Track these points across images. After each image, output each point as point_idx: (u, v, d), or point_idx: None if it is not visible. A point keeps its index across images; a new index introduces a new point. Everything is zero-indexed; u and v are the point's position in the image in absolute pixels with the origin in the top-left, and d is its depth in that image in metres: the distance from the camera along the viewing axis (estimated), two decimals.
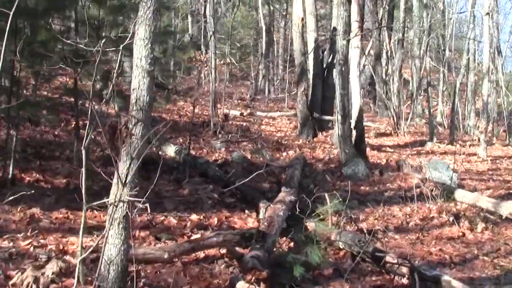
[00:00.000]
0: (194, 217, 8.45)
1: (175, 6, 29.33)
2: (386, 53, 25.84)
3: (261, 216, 8.58)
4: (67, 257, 5.90)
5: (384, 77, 25.16)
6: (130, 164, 4.88)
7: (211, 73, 18.46)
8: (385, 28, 25.46)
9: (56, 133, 12.11)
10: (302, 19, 18.59)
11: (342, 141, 13.62)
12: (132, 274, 5.58)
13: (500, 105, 25.99)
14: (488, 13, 19.00)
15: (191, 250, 6.54)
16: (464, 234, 9.17)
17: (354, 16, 14.53)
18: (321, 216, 8.01)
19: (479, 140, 18.55)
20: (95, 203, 5.00)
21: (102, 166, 10.26)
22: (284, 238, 7.76)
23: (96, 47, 5.17)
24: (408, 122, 22.72)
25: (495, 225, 9.65)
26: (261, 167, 12.61)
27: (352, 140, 14.04)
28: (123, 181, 4.83)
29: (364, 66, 27.87)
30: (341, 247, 7.61)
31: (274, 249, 6.90)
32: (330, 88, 17.87)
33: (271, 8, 32.02)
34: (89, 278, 5.33)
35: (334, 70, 14.51)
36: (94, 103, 5.59)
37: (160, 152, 12.45)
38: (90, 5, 10.19)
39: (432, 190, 10.98)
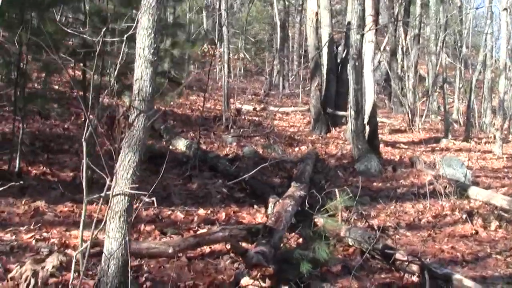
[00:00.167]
0: (201, 211, 8.32)
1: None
2: (402, 49, 25.61)
3: (269, 211, 8.44)
4: (69, 251, 5.79)
5: (399, 73, 24.95)
6: (131, 156, 4.74)
7: (223, 67, 18.29)
8: (401, 23, 25.23)
9: (65, 126, 12.03)
10: (317, 13, 18.43)
11: (355, 136, 13.47)
12: (135, 269, 5.50)
13: None
14: (506, 9, 18.81)
15: (196, 245, 6.41)
16: (477, 232, 8.99)
17: (369, 10, 14.33)
18: (331, 212, 7.87)
19: (494, 137, 18.36)
20: (95, 196, 4.86)
21: (111, 160, 10.22)
22: (293, 233, 7.64)
23: (98, 37, 5.03)
24: (423, 119, 22.52)
25: (509, 223, 9.46)
26: (273, 162, 12.52)
27: (365, 136, 13.87)
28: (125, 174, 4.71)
29: (379, 62, 27.77)
30: (351, 243, 7.47)
31: (281, 245, 6.76)
32: (344, 84, 17.74)
33: (286, 3, 31.83)
34: (90, 272, 5.24)
35: (348, 65, 14.34)
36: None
37: (170, 147, 12.34)
38: None
39: (446, 187, 10.81)
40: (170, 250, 6.10)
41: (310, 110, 18.72)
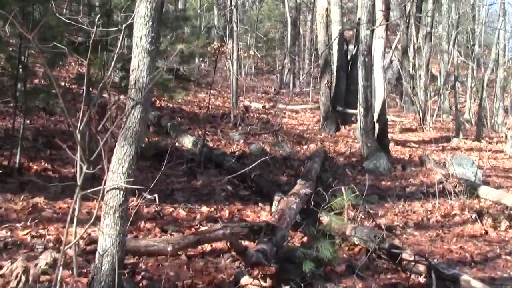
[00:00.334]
0: (204, 209, 8.14)
1: None
2: (414, 47, 25.41)
3: (273, 209, 8.27)
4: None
5: (411, 71, 24.75)
6: (127, 149, 4.60)
7: (232, 64, 18.14)
8: (412, 21, 25.04)
9: (70, 122, 11.86)
10: (327, 9, 18.28)
11: (364, 134, 13.32)
12: (130, 267, 5.34)
13: None
14: None
15: (197, 243, 6.23)
16: (486, 232, 8.84)
17: (379, 5, 14.09)
18: (337, 211, 7.72)
19: (506, 137, 18.17)
20: (89, 190, 4.71)
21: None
22: (297, 232, 7.49)
23: (94, 27, 4.89)
24: (434, 118, 22.33)
25: None
26: (280, 160, 12.37)
27: (374, 134, 13.70)
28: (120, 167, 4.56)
29: (391, 61, 27.57)
30: (356, 242, 7.29)
31: (284, 244, 6.58)
32: (354, 81, 17.52)
33: (298, 1, 31.63)
34: (85, 270, 5.09)
35: (358, 61, 14.17)
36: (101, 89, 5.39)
37: (177, 144, 12.20)
38: None
39: (456, 186, 10.66)
40: (169, 248, 5.92)
41: (320, 108, 18.52)
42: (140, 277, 5.34)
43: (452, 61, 23.71)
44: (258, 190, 9.69)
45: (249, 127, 15.27)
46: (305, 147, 14.56)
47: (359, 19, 15.67)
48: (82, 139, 4.76)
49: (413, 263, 6.39)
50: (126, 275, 5.16)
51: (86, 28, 5.44)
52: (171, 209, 7.90)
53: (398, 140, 17.60)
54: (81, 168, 4.61)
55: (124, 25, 5.15)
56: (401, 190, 11.24)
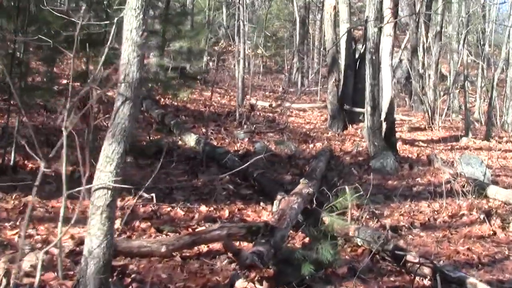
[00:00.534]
0: (203, 208, 7.91)
1: None
2: (423, 46, 25.20)
3: (274, 209, 8.03)
4: (52, 249, 5.41)
5: (420, 71, 24.55)
6: (115, 147, 4.40)
7: (238, 63, 17.97)
8: (422, 21, 24.83)
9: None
10: (335, 7, 18.09)
11: (371, 133, 13.10)
12: (119, 269, 5.14)
13: None
14: None
15: (192, 244, 5.99)
16: (495, 233, 8.58)
17: (387, 2, 13.84)
18: (341, 211, 7.52)
19: None
20: (75, 190, 4.52)
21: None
22: (299, 232, 7.29)
23: (83, 20, 4.70)
24: (443, 117, 22.12)
25: None
26: (285, 158, 12.18)
27: (382, 133, 13.46)
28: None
29: (401, 60, 27.39)
30: (360, 244, 7.05)
31: (284, 245, 6.36)
32: (362, 80, 17.28)
33: (307, 0, 31.44)
34: (71, 272, 4.88)
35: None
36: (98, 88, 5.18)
37: (180, 142, 12.04)
38: None
39: (464, 186, 10.47)
40: (163, 249, 5.70)
41: (327, 106, 18.31)
42: (130, 279, 5.11)
43: (462, 60, 23.49)
44: (260, 189, 9.48)
45: (254, 126, 15.10)
46: (311, 146, 14.35)
47: (367, 17, 15.48)
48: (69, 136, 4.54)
49: (418, 265, 6.17)
50: (115, 277, 4.95)
51: (77, 22, 5.22)
52: (169, 209, 7.67)
53: (407, 139, 17.39)
54: (66, 166, 4.41)
55: (116, 19, 4.96)
56: (408, 189, 11.00)
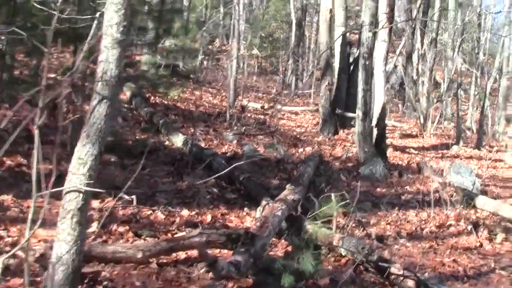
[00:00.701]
0: (185, 212, 7.69)
1: None
2: (418, 53, 25.13)
3: (257, 215, 7.85)
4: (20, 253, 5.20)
5: (414, 77, 24.49)
6: (89, 148, 4.24)
7: (230, 62, 17.84)
8: (418, 27, 24.76)
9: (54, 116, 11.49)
10: (331, 10, 17.95)
11: (361, 139, 12.96)
12: (90, 276, 4.96)
13: None
14: None
15: (170, 250, 5.77)
16: (481, 245, 8.48)
17: (383, 7, 13.71)
18: (326, 218, 7.36)
19: (506, 146, 17.93)
20: (45, 192, 4.36)
21: None
22: (283, 240, 7.15)
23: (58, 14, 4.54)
24: (435, 125, 22.04)
25: None
26: (274, 162, 12.05)
27: (372, 139, 13.33)
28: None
29: (396, 66, 27.31)
30: (343, 254, 6.88)
31: (264, 254, 6.20)
32: (355, 84, 17.07)
33: (304, 2, 31.26)
34: (39, 278, 4.69)
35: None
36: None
37: (167, 142, 11.85)
38: None
39: (452, 195, 10.39)
40: (139, 255, 5.50)
41: (319, 110, 18.18)
42: (101, 287, 4.94)
43: (456, 68, 23.43)
44: (246, 194, 9.29)
45: (244, 128, 14.95)
46: (301, 150, 14.20)
47: (362, 21, 15.36)
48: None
49: (402, 277, 6.07)
50: (85, 285, 4.77)
51: (54, 14, 5.06)
52: (149, 212, 7.43)
53: (398, 146, 17.30)
54: (38, 166, 4.25)
55: (98, 13, 4.82)
56: (396, 197, 10.92)
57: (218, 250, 6.23)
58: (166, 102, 15.98)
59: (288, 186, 8.55)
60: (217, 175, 8.16)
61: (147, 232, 6.59)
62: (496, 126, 24.15)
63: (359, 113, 12.96)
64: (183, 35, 13.23)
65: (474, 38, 28.99)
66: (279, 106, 20.04)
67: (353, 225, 8.43)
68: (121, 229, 6.53)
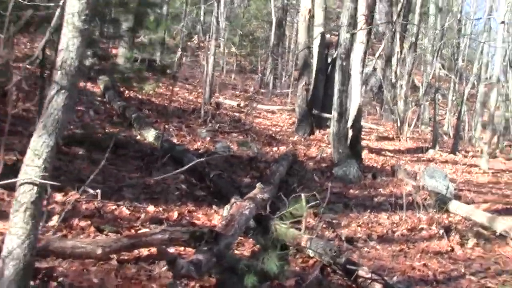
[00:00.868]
0: (151, 208, 7.48)
1: None
2: (397, 56, 25.14)
3: (225, 213, 7.67)
4: None
5: (393, 80, 24.50)
6: (45, 140, 4.05)
7: (207, 59, 17.68)
8: (398, 30, 24.77)
9: (24, 107, 11.23)
10: (310, 10, 17.84)
11: (336, 140, 12.87)
12: (44, 272, 4.77)
13: (508, 119, 25.44)
14: (503, 22, 18.42)
15: (131, 247, 5.55)
16: (453, 249, 8.37)
17: (362, 9, 13.63)
18: (296, 219, 7.22)
19: (482, 151, 17.96)
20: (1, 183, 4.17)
21: (67, 146, 9.51)
22: (250, 240, 7.00)
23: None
24: (412, 128, 22.04)
25: (488, 241, 8.84)
26: (246, 160, 11.91)
27: (347, 140, 13.24)
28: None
29: (375, 68, 27.32)
30: (311, 255, 6.73)
31: (230, 253, 6.02)
32: (332, 85, 17.07)
33: (285, 1, 31.15)
34: None
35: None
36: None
37: (138, 137, 11.66)
38: None
39: (426, 199, 10.32)
40: (99, 251, 5.29)
41: (296, 110, 18.08)
42: (56, 283, 4.73)
43: (434, 73, 23.47)
44: (216, 191, 9.12)
45: (218, 125, 14.80)
46: (275, 149, 14.08)
47: (341, 22, 15.28)
48: None
49: (369, 281, 5.93)
50: (38, 281, 4.57)
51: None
52: (114, 207, 7.19)
53: (374, 148, 17.24)
54: None
55: (62, 1, 4.63)
56: (369, 199, 10.82)
57: (182, 248, 6.07)
58: (140, 97, 15.78)
59: (258, 184, 8.40)
60: (178, 170, 8.01)
61: (110, 228, 6.36)
62: (472, 132, 24.23)
63: (334, 113, 12.89)
64: (154, 29, 12.97)
65: (454, 44, 29.10)
66: (254, 104, 19.93)
67: (324, 226, 8.34)
68: (83, 223, 6.28)
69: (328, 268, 6.45)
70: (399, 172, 12.79)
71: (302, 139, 16.51)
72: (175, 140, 11.92)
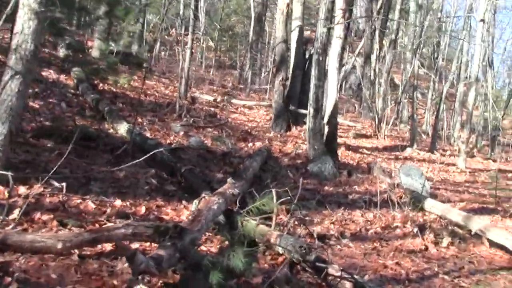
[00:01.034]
0: (118, 203, 7.25)
1: None
2: (377, 53, 25.06)
3: (193, 208, 7.47)
4: None
5: (372, 78, 24.42)
6: None
7: (184, 52, 17.48)
8: (378, 27, 24.67)
9: None
10: (288, 5, 17.63)
11: (312, 136, 12.72)
12: (1, 266, 4.55)
13: (486, 119, 25.47)
14: (482, 20, 18.35)
15: (93, 241, 5.33)
16: (427, 248, 8.30)
17: (340, 3, 13.43)
18: (267, 215, 7.04)
19: (459, 150, 17.90)
20: None
21: (35, 138, 9.29)
22: (219, 236, 6.81)
23: None
24: (390, 126, 21.94)
25: (463, 240, 8.80)
26: (220, 155, 11.74)
27: (323, 136, 13.10)
28: None
29: (354, 65, 27.24)
30: (281, 252, 6.55)
31: (194, 249, 5.81)
32: (310, 81, 17.02)
33: None
34: None
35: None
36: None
37: (111, 130, 11.41)
38: None
39: (401, 197, 10.19)
40: (60, 246, 5.07)
41: (272, 105, 17.88)
42: (10, 279, 4.50)
43: (413, 71, 23.40)
44: (187, 186, 8.94)
45: (193, 119, 14.59)
46: (250, 144, 13.91)
47: (319, 16, 15.12)
48: None
49: (339, 279, 5.79)
50: None
51: None
52: (79, 201, 6.94)
53: (351, 145, 17.11)
54: None
55: None
56: (344, 197, 10.71)
57: (148, 244, 5.87)
58: (115, 90, 15.50)
59: (229, 179, 8.19)
60: (136, 161, 7.80)
61: (74, 222, 6.11)
62: (451, 131, 24.24)
63: (310, 109, 12.77)
64: (123, 16, 12.74)
65: (434, 42, 29.12)
66: (234, 101, 19.75)
67: (296, 223, 8.18)
68: (46, 217, 6.03)
69: (298, 266, 6.29)
70: (374, 169, 12.66)
71: (279, 135, 16.33)
72: (148, 134, 11.71)
